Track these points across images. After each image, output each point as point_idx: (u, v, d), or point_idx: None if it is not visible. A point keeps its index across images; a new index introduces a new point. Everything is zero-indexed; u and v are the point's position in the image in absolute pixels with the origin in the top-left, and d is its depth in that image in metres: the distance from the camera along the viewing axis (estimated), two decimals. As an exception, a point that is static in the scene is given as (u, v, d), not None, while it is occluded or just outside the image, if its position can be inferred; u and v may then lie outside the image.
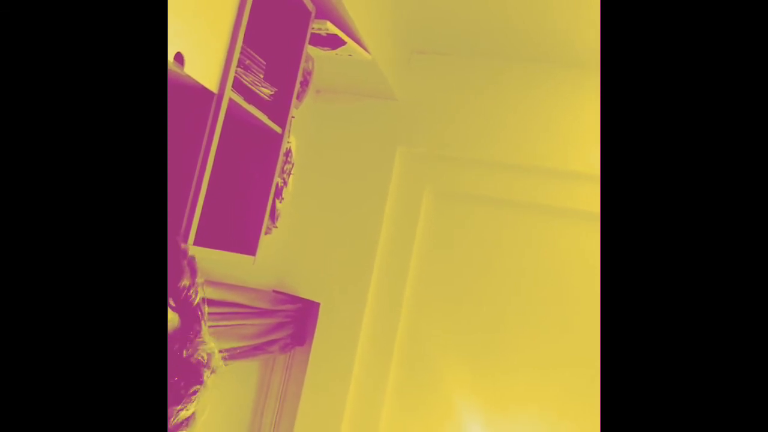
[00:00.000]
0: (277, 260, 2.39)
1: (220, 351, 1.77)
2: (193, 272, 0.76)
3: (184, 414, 0.67)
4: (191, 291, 0.74)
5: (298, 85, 1.62)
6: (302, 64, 1.61)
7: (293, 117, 1.66)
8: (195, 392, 0.69)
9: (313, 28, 1.66)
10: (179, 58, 1.13)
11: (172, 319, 0.69)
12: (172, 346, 0.66)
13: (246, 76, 1.40)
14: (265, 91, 1.50)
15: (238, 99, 1.34)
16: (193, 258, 0.78)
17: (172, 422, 0.63)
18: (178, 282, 0.72)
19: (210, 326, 1.65)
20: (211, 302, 1.65)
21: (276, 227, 1.88)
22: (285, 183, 1.87)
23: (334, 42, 1.81)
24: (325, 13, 1.71)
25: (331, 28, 1.73)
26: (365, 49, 1.90)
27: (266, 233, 1.68)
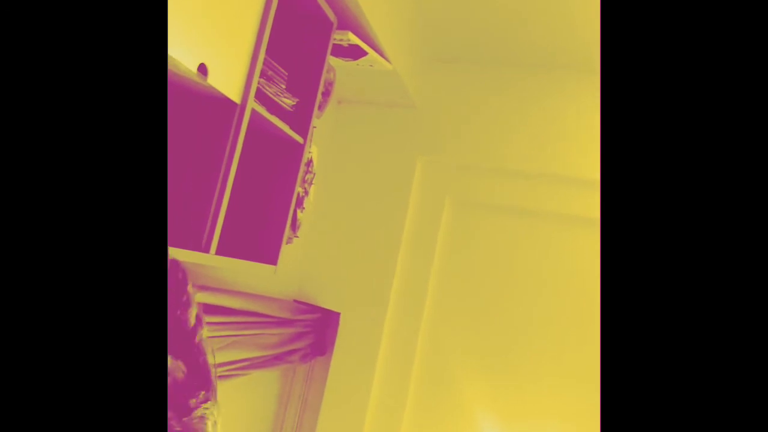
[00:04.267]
0: (298, 270, 2.39)
1: (241, 360, 1.77)
2: (199, 322, 0.65)
3: None
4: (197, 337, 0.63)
5: (319, 96, 1.63)
6: (324, 75, 1.62)
7: (315, 127, 1.67)
8: None
9: (334, 39, 1.67)
10: (203, 69, 1.14)
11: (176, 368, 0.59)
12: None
13: (269, 86, 1.41)
14: (288, 102, 1.51)
15: (261, 110, 1.35)
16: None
17: None
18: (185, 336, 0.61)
19: (230, 335, 1.66)
20: (231, 311, 1.65)
21: (297, 237, 1.88)
22: (306, 193, 1.87)
23: (355, 52, 1.82)
24: (346, 24, 1.71)
25: (353, 39, 1.73)
26: (386, 58, 1.91)
27: (287, 243, 1.68)
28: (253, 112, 1.31)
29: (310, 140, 1.64)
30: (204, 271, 1.68)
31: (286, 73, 1.49)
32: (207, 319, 1.53)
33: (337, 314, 2.36)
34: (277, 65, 1.44)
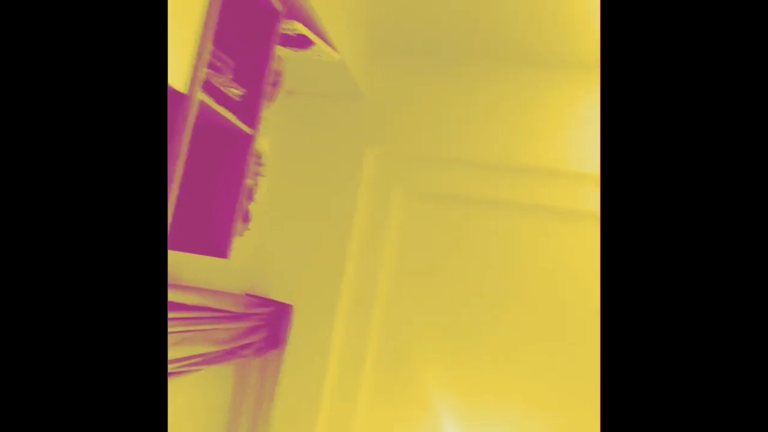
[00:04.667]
0: (250, 263, 2.37)
1: (194, 356, 1.74)
2: None
3: None
4: None
5: (268, 86, 1.61)
6: (272, 65, 1.60)
7: (264, 118, 1.65)
8: None
9: (282, 29, 1.65)
10: (147, 58, 1.11)
11: None
12: None
13: (215, 77, 1.38)
14: (235, 92, 1.49)
15: (208, 100, 1.33)
16: None
17: None
18: None
19: (182, 331, 1.63)
20: (183, 307, 1.63)
21: (248, 229, 1.87)
22: (257, 184, 1.85)
23: (303, 42, 1.81)
24: (293, 14, 1.70)
25: (300, 28, 1.72)
26: (334, 48, 1.90)
27: (238, 235, 1.66)
28: (201, 102, 1.29)
29: (260, 131, 1.63)
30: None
31: (233, 64, 1.47)
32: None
33: (290, 307, 2.35)
34: (223, 55, 1.41)
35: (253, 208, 1.88)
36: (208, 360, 1.81)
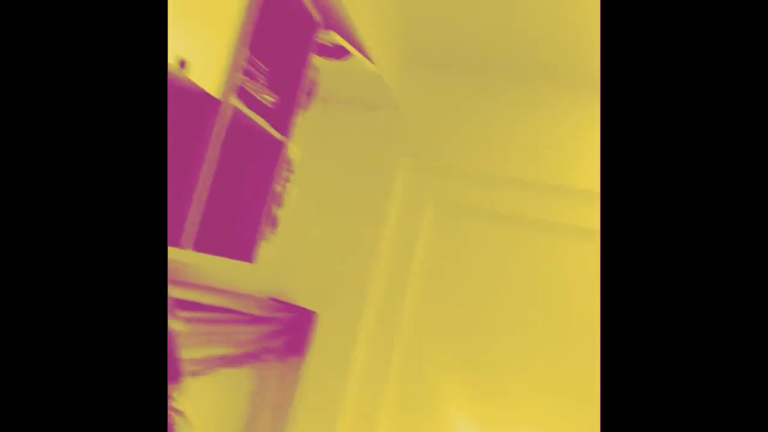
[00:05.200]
0: (275, 268, 2.38)
1: (215, 357, 1.76)
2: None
3: None
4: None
5: (302, 94, 1.63)
6: (307, 74, 1.62)
7: (296, 126, 1.67)
8: None
9: (319, 38, 1.67)
10: (183, 64, 1.13)
11: None
12: None
13: (249, 83, 1.40)
14: (268, 99, 1.51)
15: (241, 105, 1.35)
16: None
17: None
18: None
19: (205, 331, 1.65)
20: (205, 307, 1.65)
21: (275, 234, 1.88)
22: (286, 191, 1.87)
23: (339, 53, 1.82)
24: (331, 24, 1.72)
25: (337, 39, 1.74)
26: (370, 60, 1.91)
27: (265, 240, 1.68)
28: (234, 108, 1.31)
29: (291, 138, 1.64)
30: (179, 266, 1.67)
31: (268, 71, 1.49)
32: (181, 314, 1.52)
33: (314, 314, 2.36)
34: (259, 62, 1.44)
35: (281, 214, 1.89)
36: (227, 362, 1.82)
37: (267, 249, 2.19)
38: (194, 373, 1.63)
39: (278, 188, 1.68)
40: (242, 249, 1.57)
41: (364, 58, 1.88)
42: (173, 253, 1.23)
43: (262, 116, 1.48)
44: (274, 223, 1.82)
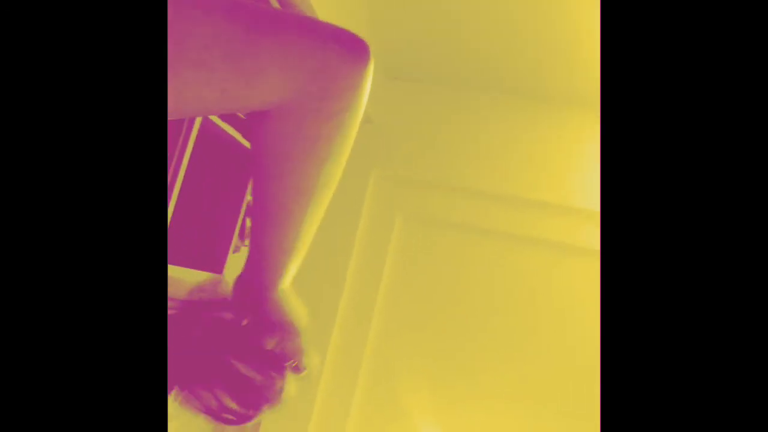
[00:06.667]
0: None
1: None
2: None
3: None
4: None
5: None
6: (279, 84, 1.61)
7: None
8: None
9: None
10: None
11: None
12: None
13: (221, 93, 1.39)
14: (241, 109, 1.49)
15: (213, 116, 1.33)
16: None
17: None
18: None
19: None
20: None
21: (245, 246, 1.86)
22: (257, 202, 1.85)
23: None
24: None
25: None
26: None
27: (234, 252, 1.65)
28: (204, 117, 1.29)
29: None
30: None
31: (241, 81, 1.48)
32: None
33: (284, 326, 2.33)
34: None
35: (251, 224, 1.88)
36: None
37: (237, 260, 2.16)
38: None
39: (249, 198, 1.66)
40: (212, 260, 1.55)
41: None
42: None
43: (234, 127, 1.47)
44: (244, 233, 1.80)
